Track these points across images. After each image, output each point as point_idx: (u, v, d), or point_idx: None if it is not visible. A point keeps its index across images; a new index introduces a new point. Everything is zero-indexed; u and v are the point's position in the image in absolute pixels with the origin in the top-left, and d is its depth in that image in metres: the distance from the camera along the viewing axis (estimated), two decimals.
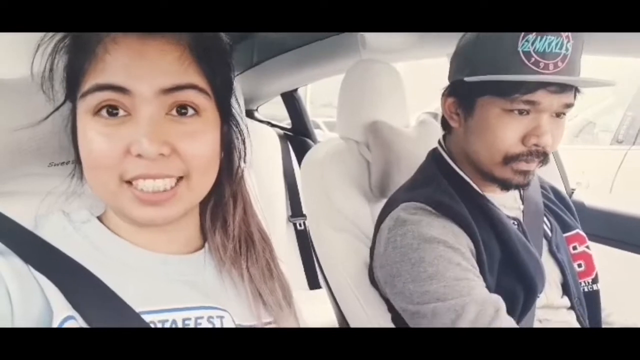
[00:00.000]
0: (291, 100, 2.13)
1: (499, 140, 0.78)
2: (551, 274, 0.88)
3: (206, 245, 0.60)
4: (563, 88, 0.74)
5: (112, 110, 0.48)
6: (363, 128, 1.12)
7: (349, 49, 1.50)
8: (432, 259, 0.75)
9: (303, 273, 1.89)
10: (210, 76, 0.53)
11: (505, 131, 0.77)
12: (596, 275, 0.94)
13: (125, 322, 0.49)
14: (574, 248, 0.95)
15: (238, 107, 0.60)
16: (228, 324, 0.55)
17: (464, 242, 0.78)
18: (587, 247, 0.96)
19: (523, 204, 0.91)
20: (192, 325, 0.52)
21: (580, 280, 0.93)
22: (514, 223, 0.85)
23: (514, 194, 0.92)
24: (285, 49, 1.81)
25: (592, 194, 1.40)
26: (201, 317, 0.53)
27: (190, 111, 0.51)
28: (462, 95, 0.84)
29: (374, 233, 0.90)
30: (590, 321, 0.91)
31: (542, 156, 0.78)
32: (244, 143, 0.61)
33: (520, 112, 0.76)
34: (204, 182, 0.54)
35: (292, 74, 1.89)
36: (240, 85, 2.13)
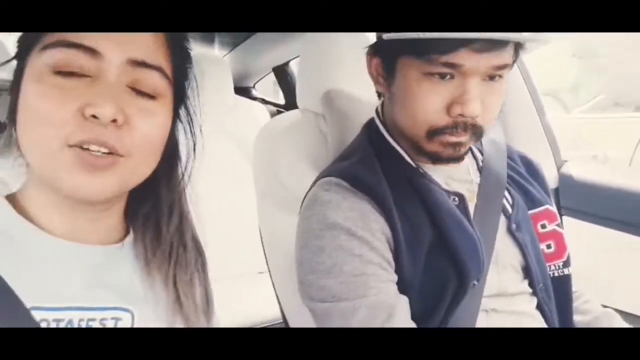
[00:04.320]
0: (283, 74, 2.03)
1: (420, 110, 0.67)
2: (508, 256, 0.77)
3: (127, 239, 0.57)
4: (491, 46, 0.62)
5: (70, 70, 0.47)
6: (320, 98, 1.02)
7: None
8: (332, 249, 0.66)
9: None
10: (176, 64, 0.54)
11: (426, 99, 0.66)
12: (568, 257, 0.82)
13: (11, 317, 0.45)
14: (543, 226, 0.83)
15: (194, 109, 0.59)
16: (126, 325, 0.52)
17: (376, 227, 0.68)
18: (559, 225, 0.83)
19: (481, 176, 0.81)
20: (88, 325, 0.49)
21: (549, 264, 0.82)
22: (454, 199, 0.74)
23: (470, 164, 0.81)
24: None
25: (607, 170, 1.25)
26: (104, 319, 0.50)
27: (149, 91, 0.50)
28: (385, 54, 0.73)
29: None
30: (558, 310, 0.79)
31: (473, 129, 0.67)
32: (194, 149, 0.59)
33: (442, 76, 0.65)
34: (143, 167, 0.52)
35: (279, 46, 1.80)
36: (230, 63, 2.05)
